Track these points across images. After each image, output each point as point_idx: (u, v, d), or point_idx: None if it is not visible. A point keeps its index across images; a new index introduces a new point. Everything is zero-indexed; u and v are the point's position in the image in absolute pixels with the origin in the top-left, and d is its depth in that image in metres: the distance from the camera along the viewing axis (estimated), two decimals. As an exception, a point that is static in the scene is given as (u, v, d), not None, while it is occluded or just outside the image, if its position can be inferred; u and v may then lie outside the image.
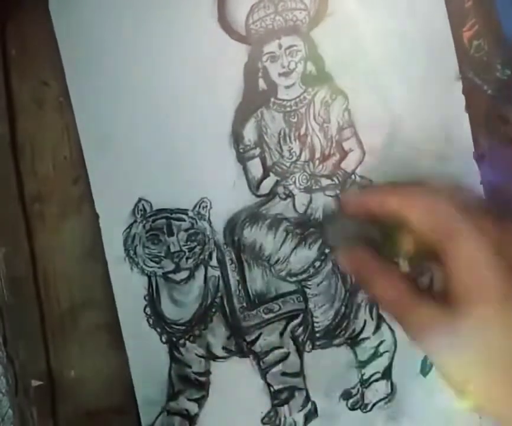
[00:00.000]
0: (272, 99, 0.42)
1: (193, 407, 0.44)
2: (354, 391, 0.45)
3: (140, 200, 0.42)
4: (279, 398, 0.44)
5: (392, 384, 0.44)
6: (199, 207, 0.42)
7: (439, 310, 0.30)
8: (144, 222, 0.42)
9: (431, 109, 0.43)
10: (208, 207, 0.42)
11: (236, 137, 0.42)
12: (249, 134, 0.42)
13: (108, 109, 0.41)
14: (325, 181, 0.43)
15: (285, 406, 0.44)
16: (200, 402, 0.44)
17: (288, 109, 0.43)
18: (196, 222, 0.42)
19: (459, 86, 0.43)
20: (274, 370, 0.44)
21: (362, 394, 0.45)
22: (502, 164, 0.45)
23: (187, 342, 0.43)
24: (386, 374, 0.44)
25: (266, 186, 0.43)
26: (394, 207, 0.32)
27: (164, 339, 0.43)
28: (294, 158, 0.43)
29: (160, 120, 0.42)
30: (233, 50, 0.42)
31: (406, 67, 0.42)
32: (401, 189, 0.35)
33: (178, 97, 0.42)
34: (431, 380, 0.45)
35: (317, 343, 0.44)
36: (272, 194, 0.43)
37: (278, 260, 0.43)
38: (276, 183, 0.43)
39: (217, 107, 0.42)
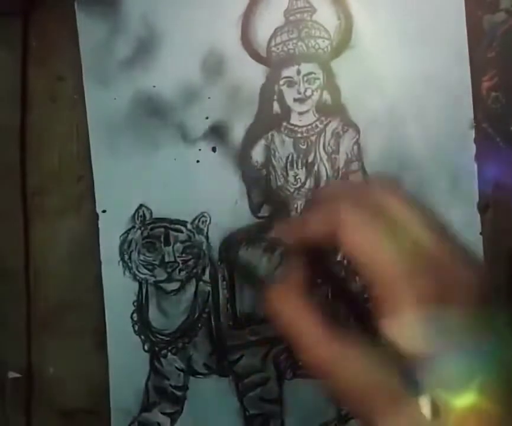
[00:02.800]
0: (285, 124, 0.52)
1: (165, 422, 0.53)
2: (330, 426, 0.53)
3: (141, 206, 0.51)
4: (253, 424, 0.53)
5: None
6: (198, 221, 0.51)
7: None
8: (142, 228, 0.51)
9: (441, 155, 0.52)
10: (208, 222, 0.52)
11: (244, 156, 0.52)
12: (257, 155, 0.52)
13: (121, 111, 0.51)
14: None
15: (259, 433, 0.53)
16: (173, 416, 0.53)
17: (299, 135, 0.52)
18: (194, 235, 0.52)
19: (472, 135, 0.52)
20: (252, 393, 0.53)
21: (338, 431, 0.53)
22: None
23: (169, 353, 0.52)
24: None
25: (267, 208, 0.52)
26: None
27: (146, 348, 0.52)
28: (299, 185, 0.52)
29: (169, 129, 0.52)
30: (251, 70, 0.51)
31: (421, 109, 0.52)
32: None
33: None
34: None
35: (299, 372, 0.53)
36: (272, 218, 0.52)
37: (270, 283, 0.55)
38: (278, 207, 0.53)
39: (229, 124, 0.51)
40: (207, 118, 0.52)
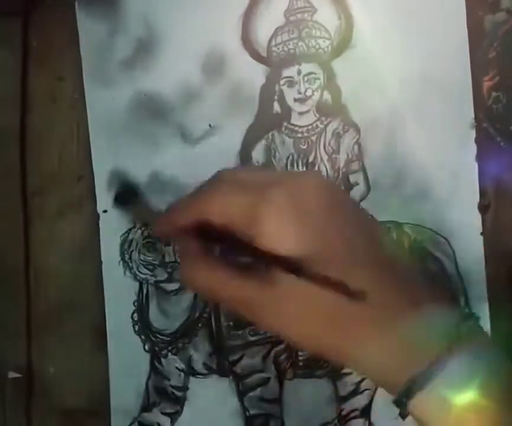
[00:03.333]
0: (285, 124, 0.52)
1: (165, 422, 0.53)
2: (331, 426, 0.53)
3: (141, 206, 0.51)
4: (253, 424, 0.53)
5: (370, 423, 0.53)
6: (199, 220, 0.54)
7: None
8: (143, 228, 0.52)
9: (442, 154, 0.52)
10: (208, 222, 0.54)
11: (244, 156, 0.52)
12: (258, 155, 0.52)
13: (121, 110, 0.51)
14: None
15: (259, 433, 0.53)
16: (173, 417, 0.53)
17: (300, 135, 0.52)
18: (194, 235, 0.54)
19: (473, 134, 0.52)
20: (252, 393, 0.53)
21: (339, 431, 0.53)
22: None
23: (169, 353, 0.53)
24: (365, 413, 0.53)
25: None
26: (196, 215, 0.37)
27: (146, 348, 0.52)
28: (299, 185, 0.54)
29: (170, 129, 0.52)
30: (251, 70, 0.51)
31: (422, 109, 0.51)
32: (194, 195, 0.40)
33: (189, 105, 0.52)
34: (411, 423, 0.57)
35: (299, 372, 0.53)
36: None
37: None
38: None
39: (229, 124, 0.52)
40: (210, 125, 0.52)
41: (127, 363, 0.53)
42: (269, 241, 0.33)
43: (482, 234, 0.52)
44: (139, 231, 0.52)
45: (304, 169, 0.52)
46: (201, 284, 0.37)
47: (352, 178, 0.53)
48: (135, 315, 0.53)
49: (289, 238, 0.33)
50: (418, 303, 0.35)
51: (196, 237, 0.37)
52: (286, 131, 0.52)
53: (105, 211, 0.52)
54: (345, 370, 0.53)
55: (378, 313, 0.34)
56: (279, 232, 0.34)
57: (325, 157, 0.53)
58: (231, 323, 0.53)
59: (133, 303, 0.53)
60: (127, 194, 0.50)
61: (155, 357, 0.53)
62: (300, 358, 0.53)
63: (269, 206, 0.34)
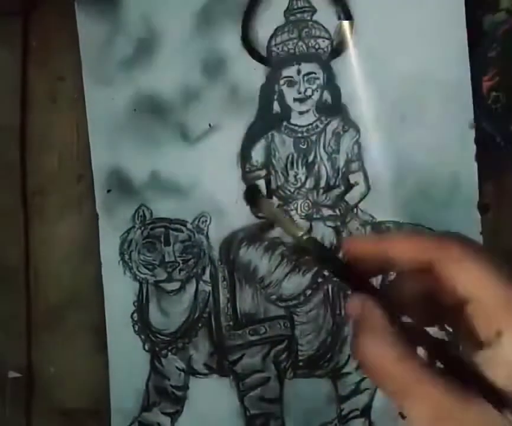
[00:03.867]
0: (285, 123, 0.52)
1: (165, 421, 0.53)
2: (331, 426, 0.54)
3: (141, 206, 0.52)
4: (254, 424, 0.53)
5: (370, 423, 0.53)
6: (199, 221, 0.52)
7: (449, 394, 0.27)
8: (142, 228, 0.52)
9: (442, 154, 0.52)
10: (208, 222, 0.52)
11: (244, 156, 0.52)
12: (258, 154, 0.52)
13: (121, 110, 0.52)
14: (327, 212, 0.52)
15: (260, 433, 0.53)
16: (173, 416, 0.53)
17: (299, 135, 0.52)
18: (194, 235, 0.52)
19: (472, 135, 0.52)
20: (253, 393, 0.53)
21: (339, 430, 0.54)
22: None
23: (169, 353, 0.53)
24: (366, 412, 0.53)
25: None
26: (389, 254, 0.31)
27: (146, 348, 0.53)
28: (299, 185, 0.52)
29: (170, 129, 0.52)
30: (251, 70, 0.51)
31: (421, 109, 0.52)
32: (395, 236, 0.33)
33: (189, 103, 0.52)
34: (410, 424, 0.57)
35: (299, 371, 0.53)
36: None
37: (270, 283, 0.52)
38: (278, 207, 0.52)
39: (229, 124, 0.52)
40: (210, 125, 0.52)
41: (127, 364, 0.53)
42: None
43: (482, 233, 0.52)
44: (139, 231, 0.52)
45: (304, 169, 0.52)
46: (382, 369, 0.30)
47: (352, 178, 0.53)
48: (135, 315, 0.53)
49: None
50: None
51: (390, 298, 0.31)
52: (286, 131, 0.52)
53: (104, 212, 0.52)
54: (345, 370, 0.54)
55: None
56: None
57: (325, 157, 0.53)
58: (231, 323, 0.53)
59: (133, 303, 0.53)
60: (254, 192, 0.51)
61: (155, 356, 0.53)
62: (300, 357, 0.54)
63: None
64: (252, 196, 0.50)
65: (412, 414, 0.30)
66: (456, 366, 0.30)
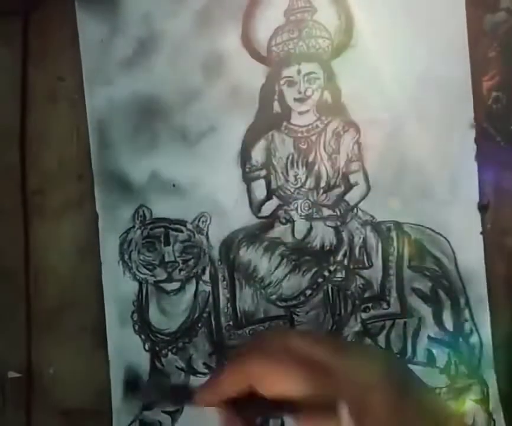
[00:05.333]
0: (285, 123, 0.52)
1: (166, 420, 0.53)
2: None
3: (141, 206, 0.52)
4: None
5: None
6: (199, 221, 0.52)
7: None
8: (142, 228, 0.52)
9: (442, 154, 0.52)
10: (208, 222, 0.52)
11: (244, 156, 0.52)
12: (258, 154, 0.52)
13: (120, 111, 0.52)
14: (327, 212, 0.52)
15: (259, 431, 0.57)
16: (173, 415, 0.53)
17: (300, 134, 0.52)
18: (194, 235, 0.52)
19: (472, 134, 0.52)
20: None
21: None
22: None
23: (170, 353, 0.53)
24: None
25: (267, 208, 0.52)
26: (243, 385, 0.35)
27: (147, 347, 0.53)
28: (299, 185, 0.52)
29: (169, 129, 0.52)
30: (251, 70, 0.51)
31: (421, 109, 0.52)
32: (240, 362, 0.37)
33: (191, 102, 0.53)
34: None
35: None
36: (272, 218, 0.52)
37: (270, 283, 0.53)
38: (278, 207, 0.52)
39: (229, 124, 0.52)
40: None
41: (127, 363, 0.53)
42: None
43: (482, 233, 0.52)
44: (139, 231, 0.52)
45: (304, 169, 0.52)
46: None
47: (352, 178, 0.53)
48: (135, 314, 0.53)
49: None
50: None
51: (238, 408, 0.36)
52: (286, 131, 0.53)
53: (104, 212, 0.52)
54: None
55: None
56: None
57: (325, 157, 0.53)
58: (231, 323, 0.53)
59: (133, 303, 0.53)
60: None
61: (155, 356, 0.53)
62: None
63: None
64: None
65: None
66: None
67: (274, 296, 0.53)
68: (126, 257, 0.52)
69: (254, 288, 0.53)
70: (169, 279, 0.53)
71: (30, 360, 0.51)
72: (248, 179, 0.53)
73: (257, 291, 0.53)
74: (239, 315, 0.53)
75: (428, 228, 0.52)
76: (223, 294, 0.53)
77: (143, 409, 0.54)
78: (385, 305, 0.52)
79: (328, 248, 0.53)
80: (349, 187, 0.53)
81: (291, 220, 0.53)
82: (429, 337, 0.52)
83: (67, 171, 0.50)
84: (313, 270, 0.53)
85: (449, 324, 0.52)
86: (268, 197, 0.53)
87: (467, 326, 0.52)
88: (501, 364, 0.51)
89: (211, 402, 0.38)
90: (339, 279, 0.53)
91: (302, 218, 0.53)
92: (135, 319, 0.53)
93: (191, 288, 0.53)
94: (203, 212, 0.52)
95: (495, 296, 0.51)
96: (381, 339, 0.53)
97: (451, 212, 0.52)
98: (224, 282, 0.53)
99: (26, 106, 0.48)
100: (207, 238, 0.52)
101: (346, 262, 0.52)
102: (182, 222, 0.52)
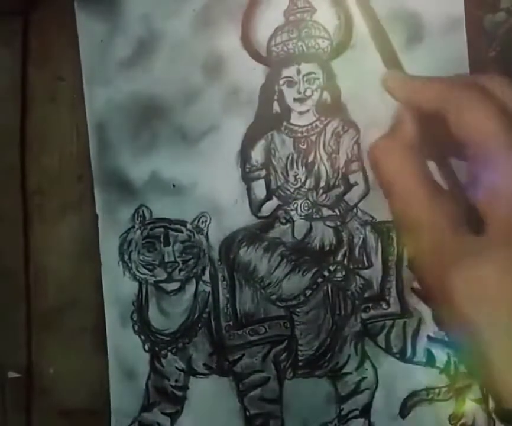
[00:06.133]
0: (285, 123, 0.52)
1: (165, 422, 0.54)
2: (331, 426, 0.54)
3: (141, 206, 0.52)
4: (253, 423, 0.53)
5: (370, 423, 0.53)
6: (198, 221, 0.52)
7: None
8: (142, 228, 0.52)
9: None
10: (208, 222, 0.52)
11: (244, 156, 0.52)
12: (257, 154, 0.52)
13: (120, 111, 0.52)
14: (326, 212, 0.52)
15: (259, 433, 0.53)
16: (173, 416, 0.54)
17: (299, 135, 0.52)
18: (194, 235, 0.52)
19: None
20: (252, 393, 0.53)
21: (339, 430, 0.54)
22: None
23: (169, 353, 0.53)
24: (365, 412, 0.53)
25: (267, 208, 0.52)
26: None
27: (146, 348, 0.53)
28: (299, 185, 0.52)
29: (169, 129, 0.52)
30: (251, 70, 0.51)
31: (421, 109, 0.54)
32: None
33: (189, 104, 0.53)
34: (410, 422, 0.54)
35: (299, 372, 0.53)
36: (272, 218, 0.52)
37: (270, 283, 0.53)
38: (278, 207, 0.52)
39: (229, 124, 0.52)
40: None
41: (127, 364, 0.53)
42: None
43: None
44: (139, 231, 0.52)
45: (304, 169, 0.52)
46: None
47: (352, 178, 0.53)
48: (135, 315, 0.53)
49: None
50: None
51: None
52: (286, 131, 0.53)
53: (103, 212, 0.52)
54: (345, 370, 0.54)
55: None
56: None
57: (325, 157, 0.53)
58: (231, 323, 0.53)
59: (133, 303, 0.53)
60: None
61: (155, 356, 0.53)
62: (300, 357, 0.54)
63: None
64: None
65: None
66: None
67: (274, 296, 0.53)
68: (126, 257, 0.52)
69: (254, 288, 0.53)
70: (169, 279, 0.53)
71: (30, 360, 0.51)
72: (247, 179, 0.53)
73: (257, 292, 0.53)
74: (239, 315, 0.53)
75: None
76: (223, 294, 0.53)
77: (142, 410, 0.54)
78: (385, 305, 0.52)
79: (328, 248, 0.53)
80: (349, 187, 0.53)
81: (291, 221, 0.53)
82: (429, 337, 0.52)
83: (67, 171, 0.51)
84: (313, 270, 0.53)
85: (449, 324, 0.52)
86: (268, 197, 0.53)
87: (467, 326, 0.52)
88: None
89: (399, 96, 0.37)
90: (339, 279, 0.53)
91: (302, 218, 0.53)
92: (134, 319, 0.53)
93: (191, 288, 0.53)
94: (203, 212, 0.52)
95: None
96: (381, 339, 0.53)
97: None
98: (224, 282, 0.53)
99: (26, 106, 0.48)
100: (207, 238, 0.53)
101: (345, 262, 0.52)
102: (182, 222, 0.53)
